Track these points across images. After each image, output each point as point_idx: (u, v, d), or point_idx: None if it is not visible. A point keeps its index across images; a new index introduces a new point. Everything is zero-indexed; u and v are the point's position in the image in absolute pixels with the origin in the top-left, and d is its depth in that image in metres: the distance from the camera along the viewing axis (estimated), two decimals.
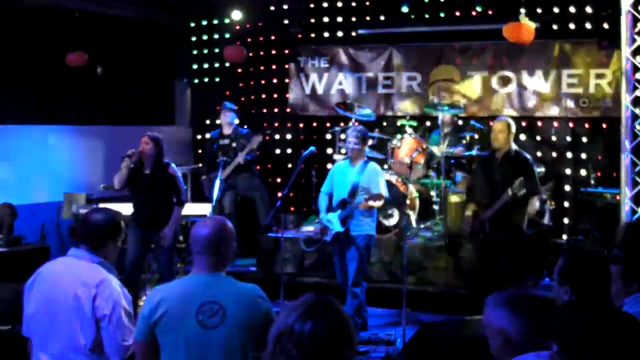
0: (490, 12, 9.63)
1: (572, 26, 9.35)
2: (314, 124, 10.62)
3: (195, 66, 11.17)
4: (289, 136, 10.77)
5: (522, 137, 9.65)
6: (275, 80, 10.81)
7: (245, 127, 9.29)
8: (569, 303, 3.16)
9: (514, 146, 6.76)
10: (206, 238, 3.24)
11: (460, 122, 9.31)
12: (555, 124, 9.51)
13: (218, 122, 11.21)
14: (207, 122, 10.92)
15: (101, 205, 7.66)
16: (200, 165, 9.79)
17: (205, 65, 11.12)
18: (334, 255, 6.73)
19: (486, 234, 6.59)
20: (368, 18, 10.31)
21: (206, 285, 3.22)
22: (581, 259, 3.24)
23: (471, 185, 7.19)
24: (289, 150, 10.73)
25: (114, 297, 3.38)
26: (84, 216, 3.67)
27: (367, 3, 10.28)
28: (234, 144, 8.70)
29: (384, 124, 9.90)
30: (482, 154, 7.16)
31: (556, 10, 9.38)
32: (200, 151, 10.77)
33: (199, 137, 11.10)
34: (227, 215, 8.51)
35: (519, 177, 6.34)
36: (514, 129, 6.77)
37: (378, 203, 6.44)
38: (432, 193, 8.65)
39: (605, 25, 9.07)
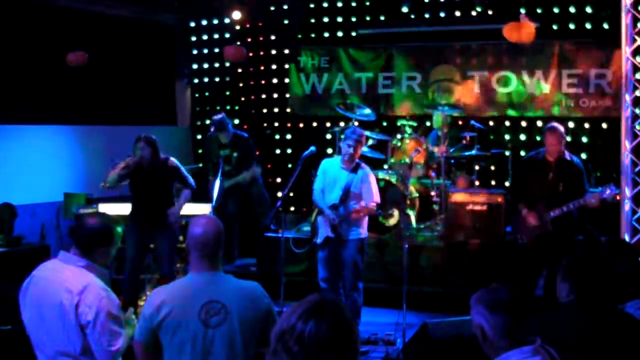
0: (490, 12, 9.64)
1: (572, 26, 9.36)
2: (314, 124, 10.62)
3: (195, 66, 11.17)
4: (289, 136, 10.77)
5: (522, 137, 9.66)
6: (275, 80, 10.81)
7: (244, 129, 9.18)
8: (570, 302, 3.16)
9: (566, 151, 6.75)
10: (205, 238, 3.27)
11: (460, 122, 9.31)
12: (555, 124, 9.50)
13: None
14: (207, 122, 10.92)
15: (101, 206, 7.70)
16: (201, 165, 9.76)
17: (205, 65, 11.13)
18: (321, 254, 6.58)
19: (549, 232, 6.60)
20: (368, 18, 10.32)
21: (207, 285, 3.25)
22: (584, 259, 3.23)
23: (519, 185, 7.12)
24: (289, 150, 10.73)
25: (97, 302, 3.34)
26: (79, 219, 3.65)
27: (367, 3, 10.29)
28: (235, 154, 8.57)
29: (384, 124, 9.90)
30: (532, 154, 7.14)
31: (556, 10, 9.39)
32: (200, 151, 10.76)
33: (199, 137, 11.10)
34: (229, 216, 8.48)
35: (574, 179, 6.56)
36: (564, 134, 6.75)
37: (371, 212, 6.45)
38: (432, 193, 8.66)
39: (605, 25, 9.09)
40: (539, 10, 9.31)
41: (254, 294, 3.28)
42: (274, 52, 10.76)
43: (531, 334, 2.74)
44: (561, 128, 6.74)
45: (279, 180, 10.54)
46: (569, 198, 6.49)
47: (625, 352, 3.05)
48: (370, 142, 8.68)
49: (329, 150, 9.89)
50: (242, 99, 10.93)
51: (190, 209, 7.70)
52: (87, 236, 3.50)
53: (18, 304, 3.55)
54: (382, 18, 10.26)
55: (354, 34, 10.37)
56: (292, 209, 10.10)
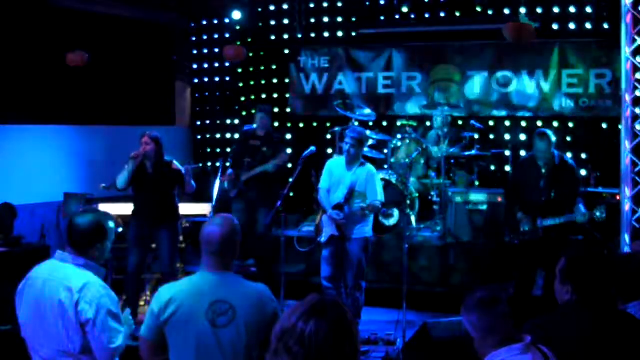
0: (490, 12, 9.64)
1: (572, 26, 9.36)
2: (314, 124, 10.61)
3: (195, 66, 11.17)
4: (289, 136, 10.77)
5: (523, 137, 9.66)
6: (275, 80, 10.81)
7: (277, 134, 8.83)
8: (570, 302, 3.16)
9: (556, 152, 6.71)
10: (219, 237, 3.27)
11: (460, 122, 9.31)
12: (555, 124, 9.52)
13: (218, 122, 11.19)
14: (207, 122, 10.92)
15: (101, 206, 7.69)
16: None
17: (205, 65, 11.12)
18: (325, 252, 6.58)
19: (540, 237, 6.60)
20: (368, 18, 10.32)
21: (216, 285, 3.25)
22: (583, 259, 3.23)
23: (513, 189, 7.10)
24: (288, 151, 10.70)
25: (96, 300, 3.34)
26: (70, 218, 3.62)
27: (367, 3, 10.29)
28: (264, 148, 8.15)
29: (384, 124, 9.90)
30: (525, 157, 7.12)
31: (556, 10, 9.39)
32: (201, 151, 10.75)
33: (198, 137, 11.09)
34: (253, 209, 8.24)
35: (567, 185, 6.59)
36: (554, 138, 6.70)
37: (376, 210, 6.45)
38: (432, 193, 8.66)
39: (605, 25, 9.09)
40: (539, 10, 9.31)
41: (262, 298, 3.28)
42: (274, 52, 10.76)
43: (534, 334, 2.76)
44: (550, 133, 6.73)
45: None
46: (561, 203, 6.52)
47: (627, 352, 3.05)
48: (370, 142, 8.67)
49: (329, 150, 9.88)
50: (242, 99, 10.92)
51: (189, 209, 7.71)
52: (80, 235, 3.48)
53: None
54: (382, 18, 10.26)
55: (354, 34, 10.38)
56: (292, 209, 10.08)
